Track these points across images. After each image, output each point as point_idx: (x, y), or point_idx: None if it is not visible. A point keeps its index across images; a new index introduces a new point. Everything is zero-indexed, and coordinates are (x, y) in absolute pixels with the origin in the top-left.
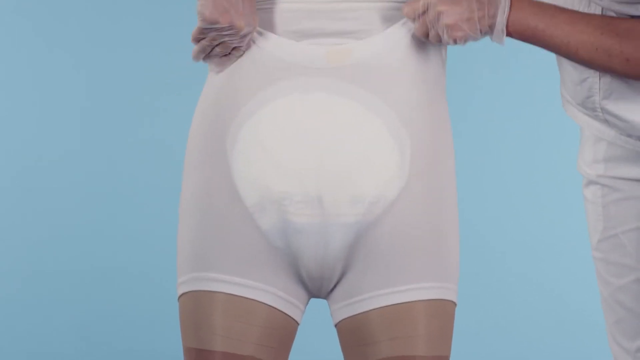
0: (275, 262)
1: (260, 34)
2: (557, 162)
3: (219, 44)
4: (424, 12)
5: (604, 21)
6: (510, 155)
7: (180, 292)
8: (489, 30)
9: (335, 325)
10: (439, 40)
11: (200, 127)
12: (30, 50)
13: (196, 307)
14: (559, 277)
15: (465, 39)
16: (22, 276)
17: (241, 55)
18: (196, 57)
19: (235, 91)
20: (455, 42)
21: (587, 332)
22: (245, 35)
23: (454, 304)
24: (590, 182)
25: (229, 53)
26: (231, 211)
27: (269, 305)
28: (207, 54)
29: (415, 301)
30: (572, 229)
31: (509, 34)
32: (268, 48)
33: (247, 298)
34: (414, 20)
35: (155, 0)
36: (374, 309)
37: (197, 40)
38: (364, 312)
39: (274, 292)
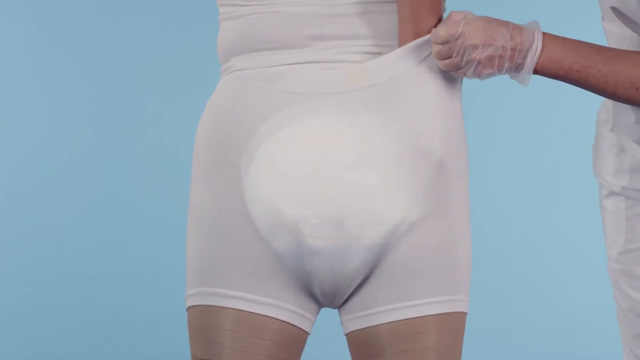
0: (286, 279)
1: (274, 55)
2: (560, 164)
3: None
4: (456, 40)
5: None
6: (513, 157)
7: (188, 304)
8: (517, 68)
9: (345, 335)
10: (463, 74)
11: (211, 135)
12: (32, 55)
13: (205, 321)
14: (563, 280)
15: (490, 76)
16: (26, 280)
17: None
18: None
19: (251, 109)
20: (479, 77)
21: (591, 335)
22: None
23: (465, 313)
24: (612, 193)
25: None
26: (242, 230)
27: (280, 320)
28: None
29: (427, 315)
30: (575, 231)
31: (538, 72)
32: (285, 71)
33: (257, 314)
34: (441, 44)
35: (158, 5)
36: (385, 323)
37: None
38: (374, 326)
39: (284, 306)
